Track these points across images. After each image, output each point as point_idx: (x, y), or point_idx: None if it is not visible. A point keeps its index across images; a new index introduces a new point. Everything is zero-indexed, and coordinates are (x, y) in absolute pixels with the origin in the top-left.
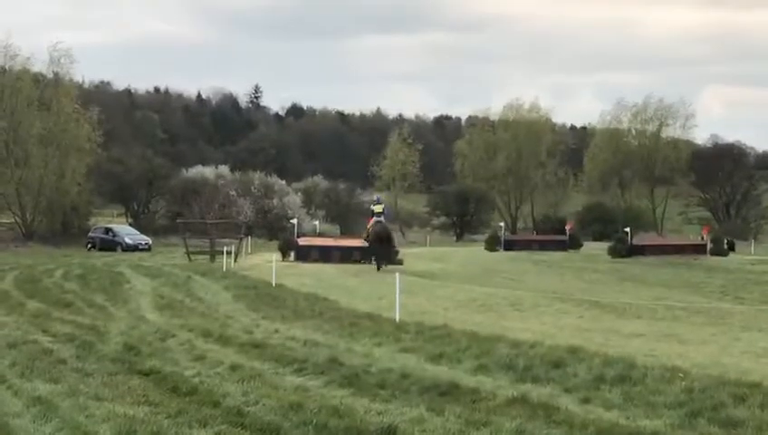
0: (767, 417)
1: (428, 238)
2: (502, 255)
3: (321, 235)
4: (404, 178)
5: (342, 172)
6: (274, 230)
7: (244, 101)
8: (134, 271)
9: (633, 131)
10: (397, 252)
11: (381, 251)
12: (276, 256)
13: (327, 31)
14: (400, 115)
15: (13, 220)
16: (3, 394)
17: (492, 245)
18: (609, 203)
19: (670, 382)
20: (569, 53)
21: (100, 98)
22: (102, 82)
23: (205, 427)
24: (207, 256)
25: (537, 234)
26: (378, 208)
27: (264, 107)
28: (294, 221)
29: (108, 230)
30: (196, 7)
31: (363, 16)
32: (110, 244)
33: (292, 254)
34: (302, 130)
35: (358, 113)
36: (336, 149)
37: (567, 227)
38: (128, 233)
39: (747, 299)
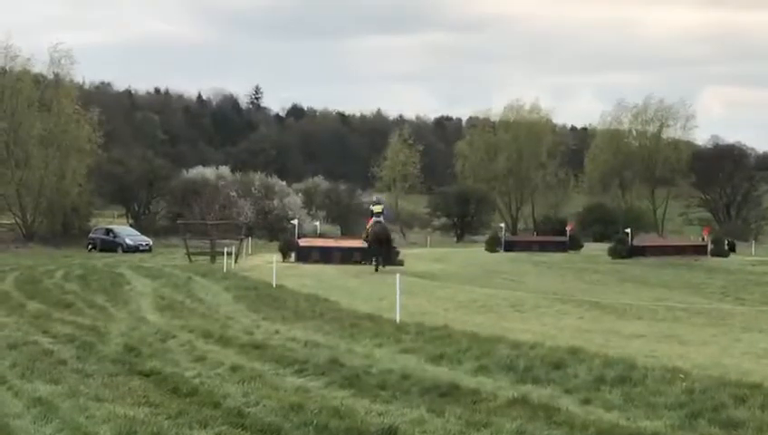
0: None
1: (429, 239)
2: (502, 256)
3: (321, 235)
4: (404, 178)
5: (343, 173)
6: (275, 231)
7: (244, 101)
8: (135, 272)
9: (634, 132)
10: (397, 253)
11: (380, 252)
12: (277, 256)
13: (327, 31)
14: (401, 116)
15: (13, 221)
16: (3, 395)
17: (492, 246)
18: (609, 204)
19: (671, 383)
20: (569, 54)
21: (101, 99)
22: (103, 83)
23: (205, 428)
24: (208, 257)
25: (537, 235)
26: (377, 209)
27: (265, 108)
28: (295, 222)
29: (108, 231)
30: (197, 7)
31: (363, 17)
32: (110, 245)
33: (293, 255)
34: (303, 131)
35: (358, 114)
36: (336, 150)
37: (567, 228)
38: (128, 234)
39: (748, 300)
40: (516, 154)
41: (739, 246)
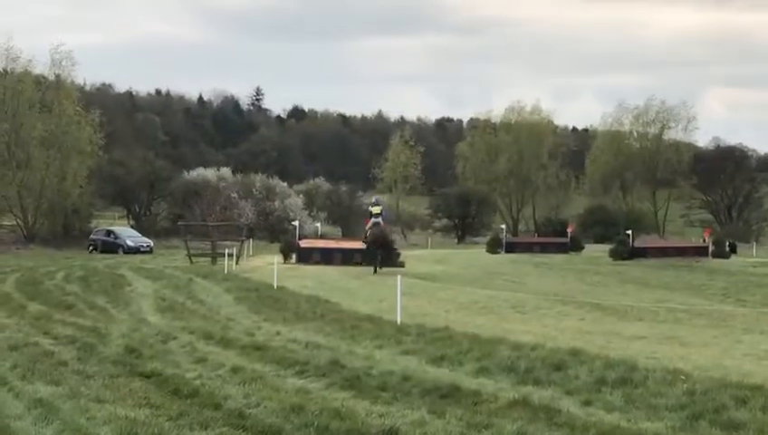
0: None
1: (430, 241)
2: (503, 257)
3: (322, 237)
4: (405, 180)
5: (344, 174)
6: (276, 232)
7: (245, 103)
8: (135, 273)
9: (635, 134)
10: (398, 254)
11: (380, 254)
12: (278, 258)
13: (328, 32)
14: (402, 117)
15: (14, 222)
16: (4, 396)
17: (493, 247)
18: (610, 205)
19: (672, 385)
20: (570, 55)
21: (102, 100)
22: (104, 85)
23: (206, 429)
24: (209, 259)
25: (538, 236)
26: (376, 210)
27: (266, 109)
28: (296, 223)
29: (109, 232)
30: (197, 8)
31: (364, 18)
32: (111, 246)
33: (294, 256)
34: (304, 132)
35: (359, 115)
36: (337, 152)
37: (568, 230)
38: (129, 235)
39: (749, 301)
40: (517, 155)
41: (740, 247)
